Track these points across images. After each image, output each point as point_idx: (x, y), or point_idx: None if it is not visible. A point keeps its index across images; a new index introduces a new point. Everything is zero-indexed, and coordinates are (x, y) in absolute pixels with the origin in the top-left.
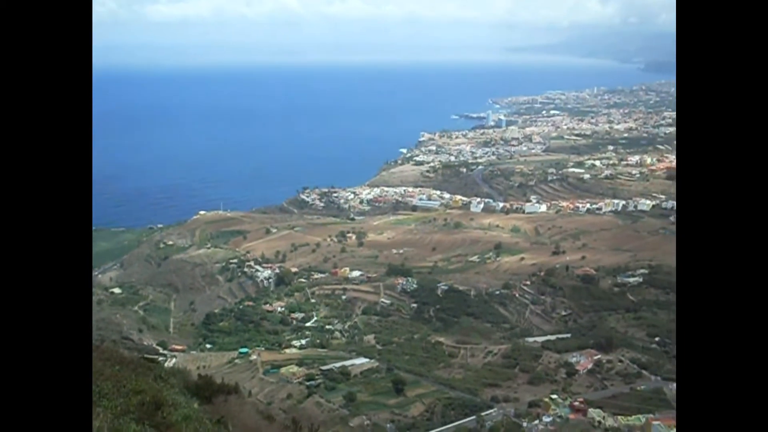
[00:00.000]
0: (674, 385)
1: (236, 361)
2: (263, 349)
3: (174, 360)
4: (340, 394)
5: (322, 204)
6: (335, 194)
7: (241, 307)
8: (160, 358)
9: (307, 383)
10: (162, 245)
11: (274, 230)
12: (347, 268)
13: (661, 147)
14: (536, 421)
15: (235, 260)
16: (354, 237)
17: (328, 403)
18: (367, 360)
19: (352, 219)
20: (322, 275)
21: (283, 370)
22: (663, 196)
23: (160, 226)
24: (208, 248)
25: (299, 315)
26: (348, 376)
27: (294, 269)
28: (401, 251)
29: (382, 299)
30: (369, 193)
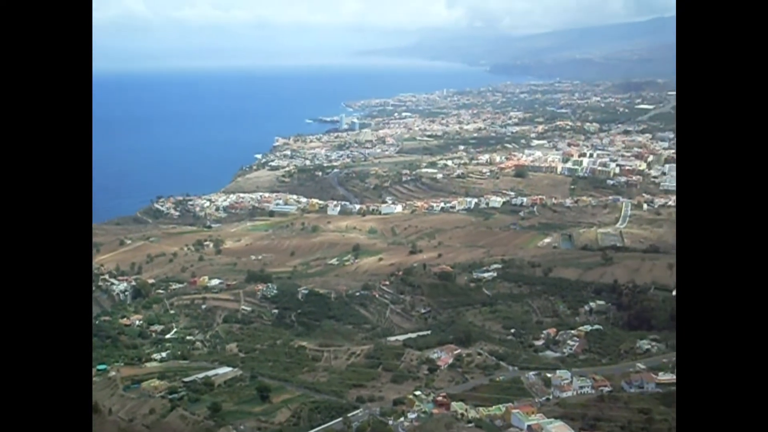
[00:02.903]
0: (531, 373)
1: (94, 378)
2: (122, 364)
3: None
4: (204, 405)
5: (177, 213)
6: (190, 202)
7: (96, 322)
8: None
9: (170, 396)
10: None
11: (129, 241)
12: (206, 277)
13: (508, 145)
14: (401, 419)
15: None
16: (211, 245)
17: (192, 416)
18: (231, 369)
19: (209, 227)
20: (181, 285)
21: (144, 384)
22: (512, 193)
23: None
24: None
25: (158, 327)
26: (212, 387)
27: (151, 281)
28: (260, 257)
29: (243, 306)
30: (225, 200)
